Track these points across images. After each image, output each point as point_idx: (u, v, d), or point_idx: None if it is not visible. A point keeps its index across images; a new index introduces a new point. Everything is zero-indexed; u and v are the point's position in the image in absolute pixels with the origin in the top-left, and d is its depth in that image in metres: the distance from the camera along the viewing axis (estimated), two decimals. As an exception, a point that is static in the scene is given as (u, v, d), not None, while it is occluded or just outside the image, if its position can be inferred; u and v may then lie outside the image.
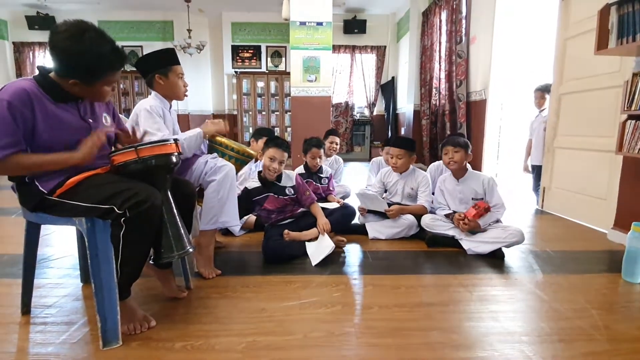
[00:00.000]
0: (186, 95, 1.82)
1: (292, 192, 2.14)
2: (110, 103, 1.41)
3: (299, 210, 2.15)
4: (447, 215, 2.24)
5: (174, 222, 1.30)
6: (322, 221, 2.05)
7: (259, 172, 2.18)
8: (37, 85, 1.14)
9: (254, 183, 2.15)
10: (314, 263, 1.85)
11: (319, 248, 1.93)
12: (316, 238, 2.05)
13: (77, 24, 1.11)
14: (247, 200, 2.11)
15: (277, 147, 2.04)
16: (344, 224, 2.18)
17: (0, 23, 7.08)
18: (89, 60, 1.11)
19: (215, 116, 7.66)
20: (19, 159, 1.09)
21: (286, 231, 2.00)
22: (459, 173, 2.25)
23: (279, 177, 2.15)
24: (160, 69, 1.71)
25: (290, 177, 2.18)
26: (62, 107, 1.18)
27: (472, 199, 2.19)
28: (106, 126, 1.33)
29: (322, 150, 2.82)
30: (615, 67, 2.42)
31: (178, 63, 1.76)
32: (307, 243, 2.02)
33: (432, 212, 2.39)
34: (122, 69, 1.24)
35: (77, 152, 1.15)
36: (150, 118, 1.63)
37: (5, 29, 7.19)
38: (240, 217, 2.20)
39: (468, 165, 2.31)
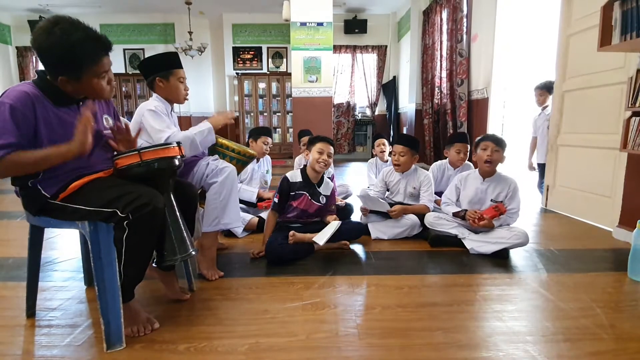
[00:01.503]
0: (187, 99, 1.84)
1: (324, 201, 2.12)
2: (111, 103, 1.40)
3: (313, 220, 2.15)
4: (455, 214, 2.17)
5: (177, 225, 1.30)
6: (332, 217, 2.06)
7: (304, 166, 2.16)
8: (37, 89, 1.14)
9: (295, 177, 2.12)
10: (320, 243, 1.84)
11: (325, 230, 1.92)
12: None
13: (49, 19, 1.09)
14: (288, 190, 2.09)
15: (322, 140, 2.09)
16: (347, 238, 2.17)
17: (3, 28, 7.14)
18: (62, 52, 1.08)
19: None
20: (17, 157, 1.07)
21: (292, 232, 1.99)
22: (488, 173, 2.16)
23: (320, 182, 2.14)
24: (161, 72, 1.72)
25: (329, 186, 2.17)
26: (62, 110, 1.18)
27: (491, 200, 2.13)
28: (107, 128, 1.33)
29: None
30: (619, 64, 2.40)
31: (180, 67, 1.77)
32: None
33: (436, 210, 2.38)
34: (106, 56, 1.17)
35: (72, 141, 1.11)
36: (157, 117, 1.64)
37: (9, 34, 7.26)
38: (284, 206, 2.09)
39: (498, 167, 2.19)
